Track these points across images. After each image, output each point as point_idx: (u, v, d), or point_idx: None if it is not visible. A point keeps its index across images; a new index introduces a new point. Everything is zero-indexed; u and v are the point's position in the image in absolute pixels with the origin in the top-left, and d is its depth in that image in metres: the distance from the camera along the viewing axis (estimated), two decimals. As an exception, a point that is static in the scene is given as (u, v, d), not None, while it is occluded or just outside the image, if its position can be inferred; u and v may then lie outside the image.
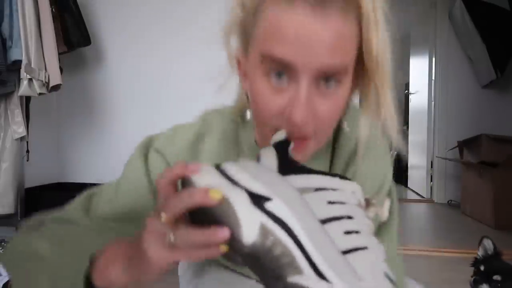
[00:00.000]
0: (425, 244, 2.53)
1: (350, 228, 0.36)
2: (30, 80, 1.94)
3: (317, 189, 0.38)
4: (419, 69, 4.38)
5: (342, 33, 0.45)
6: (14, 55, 1.92)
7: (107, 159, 2.60)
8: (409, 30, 4.77)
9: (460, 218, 3.31)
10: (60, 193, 2.42)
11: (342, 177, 0.40)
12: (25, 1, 1.92)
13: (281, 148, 0.43)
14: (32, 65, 1.93)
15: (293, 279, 0.33)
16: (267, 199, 0.35)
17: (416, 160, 4.46)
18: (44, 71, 1.99)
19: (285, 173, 0.39)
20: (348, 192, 0.39)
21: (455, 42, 3.86)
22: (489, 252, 1.18)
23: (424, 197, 4.14)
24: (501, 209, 2.90)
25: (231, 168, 0.38)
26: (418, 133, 4.39)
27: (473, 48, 3.68)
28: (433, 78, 4.00)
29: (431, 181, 4.06)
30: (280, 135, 0.46)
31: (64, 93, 2.49)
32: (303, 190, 0.37)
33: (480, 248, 1.20)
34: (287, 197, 0.35)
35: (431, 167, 4.03)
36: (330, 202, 0.37)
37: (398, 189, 4.83)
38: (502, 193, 2.91)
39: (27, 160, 2.19)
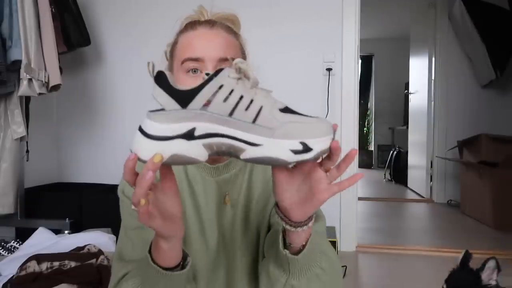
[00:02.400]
0: (425, 244, 2.53)
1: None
2: (30, 80, 1.94)
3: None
4: (419, 69, 4.38)
5: None
6: (14, 55, 1.91)
7: (107, 159, 2.60)
8: (408, 30, 4.78)
9: (459, 218, 3.31)
10: (60, 193, 2.42)
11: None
12: (25, 1, 1.92)
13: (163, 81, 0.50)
14: (32, 65, 1.93)
15: (243, 156, 0.46)
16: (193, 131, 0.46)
17: (416, 160, 4.46)
18: (44, 71, 1.99)
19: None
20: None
21: (454, 42, 3.86)
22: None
23: (423, 197, 4.14)
24: (500, 209, 2.91)
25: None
26: (418, 133, 4.39)
27: (473, 48, 3.69)
28: (433, 78, 4.00)
29: (431, 181, 4.06)
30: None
31: (64, 93, 2.49)
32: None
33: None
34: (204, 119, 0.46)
35: (431, 167, 4.03)
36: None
37: (398, 189, 4.84)
38: (502, 193, 2.92)
39: (27, 160, 2.19)
